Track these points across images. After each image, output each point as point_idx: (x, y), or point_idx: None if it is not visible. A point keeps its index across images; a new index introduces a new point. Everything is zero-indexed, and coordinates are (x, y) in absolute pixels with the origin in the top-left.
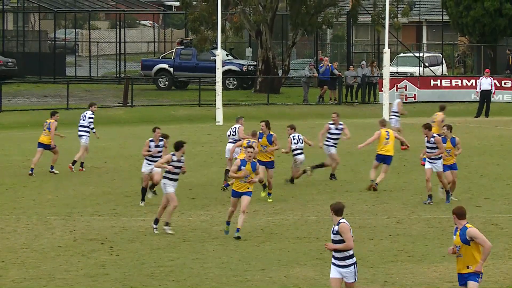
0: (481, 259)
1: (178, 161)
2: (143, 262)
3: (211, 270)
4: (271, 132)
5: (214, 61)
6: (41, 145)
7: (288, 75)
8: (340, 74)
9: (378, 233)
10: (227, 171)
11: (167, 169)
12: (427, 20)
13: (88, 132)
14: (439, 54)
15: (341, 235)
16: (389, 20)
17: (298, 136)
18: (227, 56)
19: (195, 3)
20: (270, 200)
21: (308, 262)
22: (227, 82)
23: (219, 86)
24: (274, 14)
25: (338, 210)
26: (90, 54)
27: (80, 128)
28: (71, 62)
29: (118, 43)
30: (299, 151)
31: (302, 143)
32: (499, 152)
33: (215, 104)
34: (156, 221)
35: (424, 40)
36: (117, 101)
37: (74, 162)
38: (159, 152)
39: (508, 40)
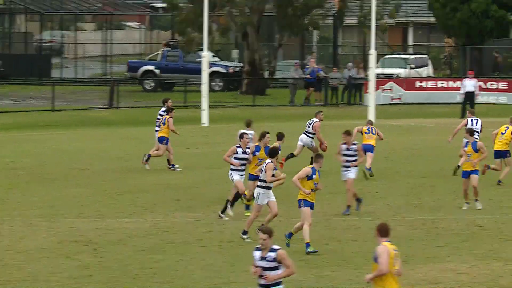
0: (373, 273)
1: (274, 168)
2: (128, 264)
3: (196, 272)
4: (268, 145)
5: (200, 62)
6: (162, 139)
7: (274, 77)
8: (327, 75)
9: (362, 234)
10: (291, 155)
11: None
12: (413, 22)
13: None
14: (426, 56)
15: (279, 262)
16: (375, 21)
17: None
18: (214, 58)
19: (181, 4)
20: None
21: (295, 263)
22: (213, 83)
23: (205, 88)
24: (260, 16)
25: (271, 233)
26: (76, 56)
27: (157, 127)
28: (58, 64)
29: (104, 45)
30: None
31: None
32: None
33: (201, 106)
34: (245, 232)
35: (410, 42)
36: (103, 103)
37: (149, 157)
38: (246, 159)
39: (495, 42)
